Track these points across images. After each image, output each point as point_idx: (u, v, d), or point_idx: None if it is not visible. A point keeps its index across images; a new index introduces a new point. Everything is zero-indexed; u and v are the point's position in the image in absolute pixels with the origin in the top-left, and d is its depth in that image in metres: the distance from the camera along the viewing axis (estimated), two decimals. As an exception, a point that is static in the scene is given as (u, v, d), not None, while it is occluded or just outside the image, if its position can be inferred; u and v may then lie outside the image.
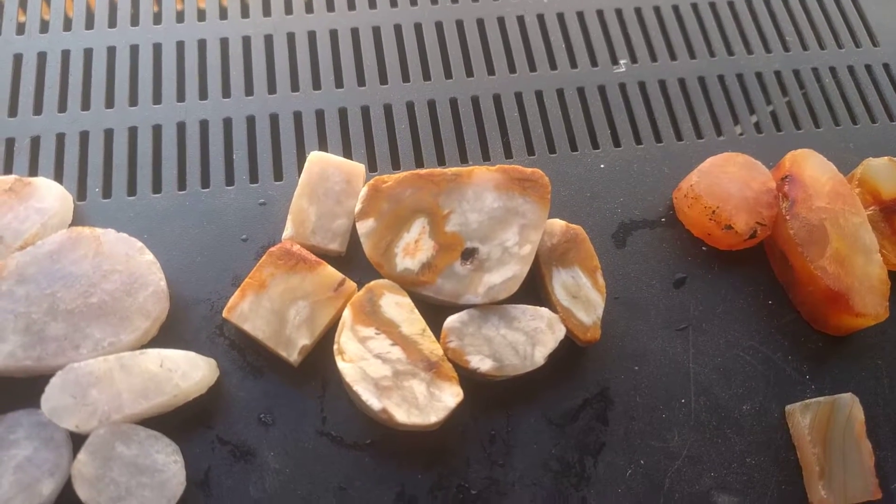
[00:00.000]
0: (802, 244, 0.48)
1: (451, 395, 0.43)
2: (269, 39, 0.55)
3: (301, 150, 0.52)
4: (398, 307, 0.45)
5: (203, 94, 0.53)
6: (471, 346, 0.45)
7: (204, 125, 0.52)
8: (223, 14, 0.56)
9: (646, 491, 0.45)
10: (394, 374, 0.43)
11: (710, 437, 0.46)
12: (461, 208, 0.46)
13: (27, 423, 0.43)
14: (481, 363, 0.44)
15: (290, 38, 0.56)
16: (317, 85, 0.54)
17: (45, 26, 0.55)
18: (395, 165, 0.52)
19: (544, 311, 0.46)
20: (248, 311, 0.45)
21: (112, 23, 0.55)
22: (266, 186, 0.50)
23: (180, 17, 0.56)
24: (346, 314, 0.45)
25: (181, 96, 0.53)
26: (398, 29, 0.57)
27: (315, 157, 0.49)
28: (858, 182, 0.51)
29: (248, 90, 0.54)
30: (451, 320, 0.45)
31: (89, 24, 0.55)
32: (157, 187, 0.50)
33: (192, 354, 0.44)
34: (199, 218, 0.49)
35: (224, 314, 0.45)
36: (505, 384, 0.46)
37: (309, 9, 0.57)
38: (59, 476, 0.42)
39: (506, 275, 0.45)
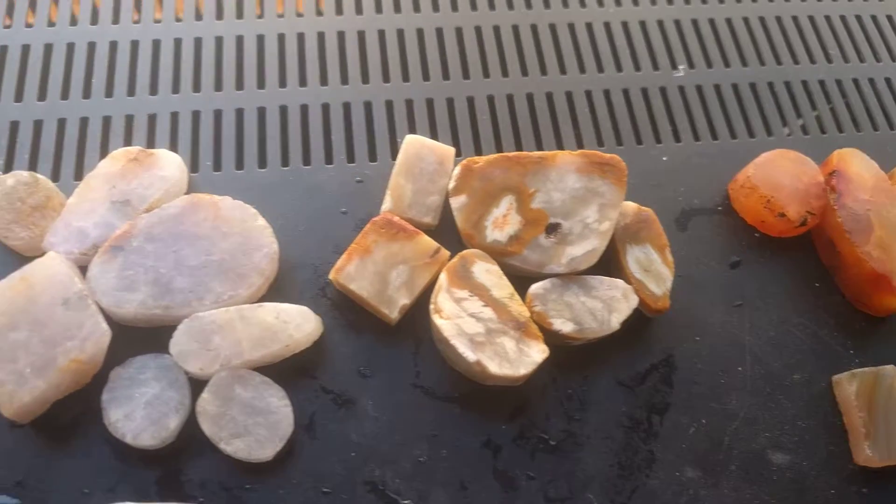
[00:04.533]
0: (850, 231, 0.53)
1: (538, 352, 0.48)
2: (361, 35, 0.61)
3: (392, 135, 0.57)
4: (488, 273, 0.50)
5: (303, 82, 0.58)
6: (554, 310, 0.49)
7: (304, 109, 0.57)
8: (319, 11, 0.62)
9: (707, 447, 0.49)
10: (486, 332, 0.48)
11: (765, 401, 0.51)
12: (545, 188, 0.51)
13: (154, 366, 0.47)
14: (563, 326, 0.49)
15: (381, 34, 0.61)
16: (406, 78, 0.59)
17: (156, 18, 0.60)
18: (478, 152, 0.57)
19: (619, 282, 0.51)
20: (354, 272, 0.49)
21: (219, 16, 0.61)
22: (362, 166, 0.55)
23: (279, 13, 0.61)
24: (443, 278, 0.49)
25: (283, 83, 0.58)
26: (478, 30, 0.62)
27: (411, 140, 0.54)
28: (898, 180, 0.56)
29: (344, 80, 0.59)
30: (536, 287, 0.50)
31: (198, 16, 0.60)
32: (262, 163, 0.55)
33: (304, 308, 0.48)
34: (302, 192, 0.54)
35: (332, 275, 0.49)
36: (580, 349, 0.51)
37: (397, 9, 0.62)
38: (183, 413, 0.46)
39: (586, 248, 0.50)
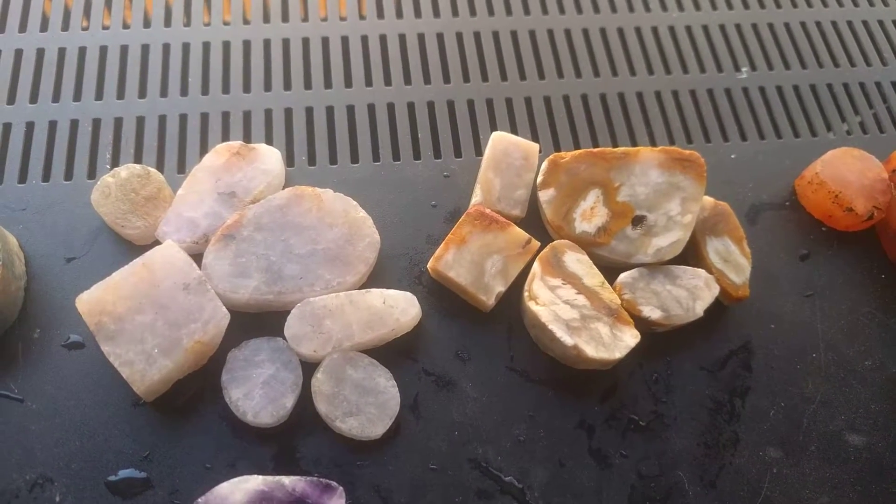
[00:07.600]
0: (916, 224, 0.55)
1: (630, 336, 0.50)
2: (440, 37, 0.64)
3: (476, 132, 0.59)
4: (579, 263, 0.52)
5: (388, 82, 0.61)
6: (642, 298, 0.52)
7: (391, 108, 0.60)
8: (399, 14, 0.64)
9: (787, 428, 0.52)
10: (581, 317, 0.50)
11: (839, 386, 0.53)
12: (630, 182, 0.54)
13: (267, 348, 0.49)
14: (651, 312, 0.52)
15: (459, 37, 0.64)
16: (485, 78, 0.62)
17: (246, 20, 0.63)
18: (556, 148, 0.60)
19: (701, 271, 0.53)
20: (452, 261, 0.52)
21: (305, 18, 0.63)
22: (448, 162, 0.58)
23: (361, 15, 0.64)
24: (536, 267, 0.52)
25: (369, 82, 0.61)
26: (551, 33, 0.65)
27: (498, 137, 0.56)
28: (957, 176, 0.59)
29: (427, 80, 0.61)
30: (625, 276, 0.53)
31: (285, 18, 0.63)
32: (354, 158, 0.58)
33: (408, 294, 0.51)
34: (393, 186, 0.57)
35: (431, 263, 0.52)
36: (662, 335, 0.53)
37: (472, 13, 0.65)
38: (297, 393, 0.48)
39: (671, 239, 0.53)
